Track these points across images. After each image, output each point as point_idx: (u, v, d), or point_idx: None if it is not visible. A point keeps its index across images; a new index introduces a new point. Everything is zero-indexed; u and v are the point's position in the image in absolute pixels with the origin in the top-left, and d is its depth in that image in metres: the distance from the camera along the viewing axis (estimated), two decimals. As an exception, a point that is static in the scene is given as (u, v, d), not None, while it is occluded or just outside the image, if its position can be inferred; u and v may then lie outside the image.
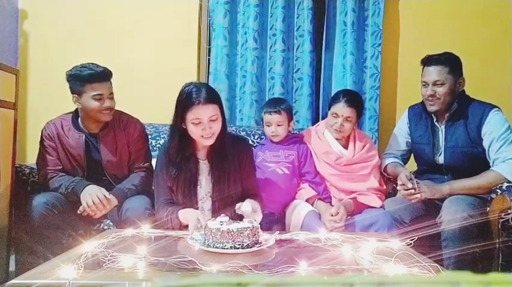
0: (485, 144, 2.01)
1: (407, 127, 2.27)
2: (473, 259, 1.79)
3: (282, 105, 2.19)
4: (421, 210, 2.03)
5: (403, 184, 1.93)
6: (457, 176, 2.02)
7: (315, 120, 2.81)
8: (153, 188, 2.14)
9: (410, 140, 2.26)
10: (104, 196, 1.90)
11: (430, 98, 2.08)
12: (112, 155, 2.08)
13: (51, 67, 2.78)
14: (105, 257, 1.22)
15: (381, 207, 2.06)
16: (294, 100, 2.84)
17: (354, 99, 2.15)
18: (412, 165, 2.35)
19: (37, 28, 2.85)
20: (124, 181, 2.06)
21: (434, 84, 2.06)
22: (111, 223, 2.02)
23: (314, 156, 2.19)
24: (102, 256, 1.23)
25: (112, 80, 2.07)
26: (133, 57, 2.83)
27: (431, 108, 2.10)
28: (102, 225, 2.01)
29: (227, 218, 1.43)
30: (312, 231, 1.67)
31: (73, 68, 2.02)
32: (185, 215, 1.69)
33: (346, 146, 2.19)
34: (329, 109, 2.19)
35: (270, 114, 2.17)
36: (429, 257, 1.25)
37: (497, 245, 1.81)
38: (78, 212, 1.91)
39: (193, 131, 1.72)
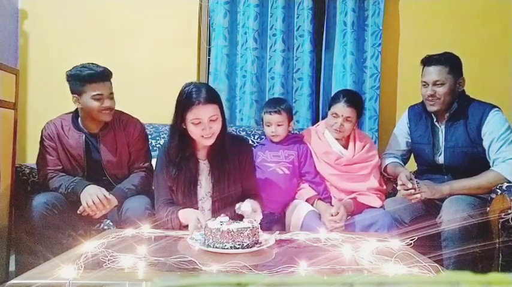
0: (485, 144, 2.01)
1: (407, 127, 2.27)
2: (473, 259, 1.79)
3: (282, 105, 2.19)
4: (421, 210, 2.03)
5: (403, 184, 1.93)
6: (457, 176, 2.02)
7: (315, 120, 2.81)
8: (153, 188, 2.15)
9: (410, 140, 2.26)
10: (104, 196, 1.91)
11: (430, 98, 2.08)
12: (112, 155, 2.08)
13: (51, 67, 2.78)
14: (105, 257, 1.22)
15: (381, 207, 2.06)
16: (294, 100, 2.84)
17: (354, 99, 2.15)
18: (412, 165, 2.35)
19: (37, 28, 2.85)
20: (124, 181, 2.06)
21: (434, 84, 2.06)
22: (111, 223, 2.02)
23: (314, 156, 2.19)
24: (102, 256, 1.23)
25: (112, 80, 2.07)
26: (133, 57, 2.83)
27: (431, 108, 2.10)
28: (102, 225, 2.01)
29: (227, 218, 1.43)
30: (312, 231, 1.67)
31: (73, 68, 2.02)
32: (185, 215, 1.69)
33: (346, 146, 2.19)
34: (329, 109, 2.19)
35: (270, 114, 2.17)
36: (429, 257, 1.25)
37: (497, 245, 1.81)
38: (78, 212, 1.91)
39: (193, 131, 1.72)
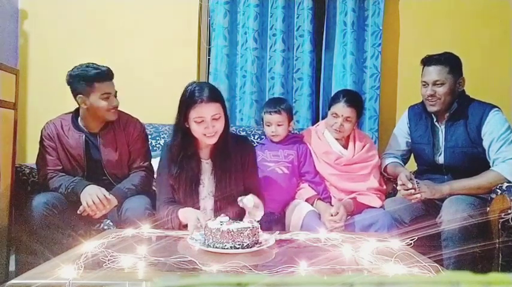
0: (485, 144, 2.01)
1: (407, 127, 2.27)
2: (473, 259, 1.79)
3: (282, 105, 2.19)
4: (421, 210, 2.03)
5: (403, 184, 1.93)
6: (457, 176, 2.02)
7: (315, 120, 2.81)
8: (153, 187, 2.15)
9: (410, 140, 2.26)
10: (104, 196, 1.90)
11: (430, 98, 2.08)
12: (112, 155, 2.08)
13: (51, 67, 2.78)
14: (105, 257, 1.21)
15: (381, 207, 2.06)
16: (294, 100, 2.84)
17: (354, 99, 2.15)
18: (412, 165, 2.35)
19: (37, 28, 2.85)
20: (124, 180, 2.06)
21: (434, 84, 2.06)
22: (111, 223, 2.02)
23: (314, 156, 2.19)
24: (102, 256, 1.23)
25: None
26: (133, 57, 2.83)
27: (431, 108, 2.10)
28: (102, 225, 2.01)
29: (227, 218, 1.43)
30: (312, 231, 1.67)
31: (74, 68, 2.02)
32: (185, 214, 1.69)
33: (346, 146, 2.19)
34: (329, 109, 2.19)
35: (270, 114, 2.17)
36: (429, 257, 1.25)
37: (497, 245, 1.81)
38: (78, 212, 1.91)
39: (196, 129, 1.72)
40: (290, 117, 2.21)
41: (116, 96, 2.07)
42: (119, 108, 2.11)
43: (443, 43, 2.47)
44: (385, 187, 2.18)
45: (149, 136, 2.36)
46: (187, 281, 0.37)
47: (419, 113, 2.22)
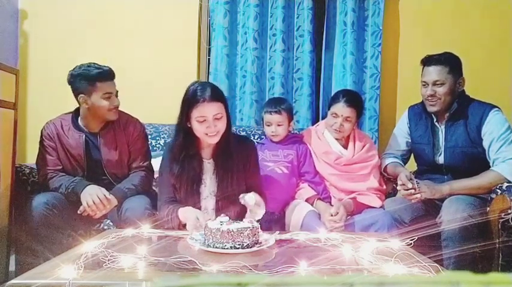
0: (485, 144, 2.01)
1: (407, 127, 2.27)
2: (473, 259, 1.79)
3: (282, 105, 2.19)
4: (421, 210, 2.03)
5: (403, 184, 1.93)
6: (457, 176, 2.02)
7: (315, 120, 2.81)
8: (153, 187, 2.15)
9: (410, 140, 2.26)
10: (104, 195, 1.91)
11: (430, 98, 2.08)
12: (112, 155, 2.08)
13: (51, 67, 2.78)
14: (105, 257, 1.21)
15: (381, 207, 2.06)
16: (294, 100, 2.84)
17: (354, 99, 2.15)
18: (412, 165, 2.35)
19: (37, 28, 2.85)
20: (124, 180, 2.06)
21: (434, 84, 2.06)
22: (111, 223, 2.02)
23: (314, 156, 2.19)
24: (102, 256, 1.23)
25: (112, 79, 2.08)
26: (133, 57, 2.83)
27: (431, 108, 2.10)
28: (102, 225, 2.01)
29: (227, 218, 1.43)
30: (312, 231, 1.67)
31: (76, 67, 2.02)
32: (185, 214, 1.69)
33: (345, 146, 2.19)
34: (329, 109, 2.19)
35: (270, 114, 2.17)
36: (429, 257, 1.25)
37: (497, 245, 1.81)
38: (79, 212, 1.91)
39: (198, 129, 1.73)
40: (290, 117, 2.21)
41: (117, 96, 2.07)
42: (119, 109, 2.12)
43: (443, 43, 2.47)
44: (385, 187, 2.18)
45: (149, 136, 2.36)
46: (187, 281, 0.37)
47: (419, 113, 2.22)
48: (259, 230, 1.44)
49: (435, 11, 2.88)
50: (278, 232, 1.62)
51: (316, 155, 2.19)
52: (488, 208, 1.92)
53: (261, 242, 1.41)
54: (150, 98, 2.77)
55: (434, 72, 2.06)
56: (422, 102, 2.19)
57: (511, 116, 2.40)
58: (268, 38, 2.85)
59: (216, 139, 1.75)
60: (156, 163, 2.05)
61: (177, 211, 1.71)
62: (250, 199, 1.64)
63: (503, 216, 1.82)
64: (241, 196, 1.68)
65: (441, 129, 2.14)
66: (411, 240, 1.40)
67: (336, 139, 2.19)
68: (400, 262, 1.19)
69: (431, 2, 2.89)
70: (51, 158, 2.04)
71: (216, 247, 1.34)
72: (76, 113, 2.12)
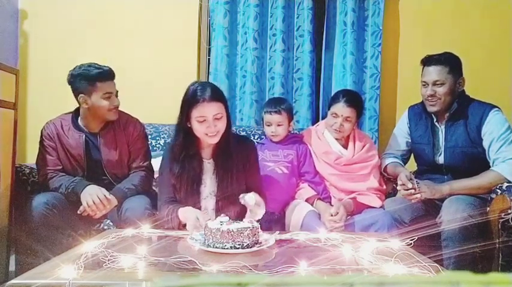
0: (485, 144, 2.01)
1: (407, 127, 2.27)
2: (473, 259, 1.79)
3: (282, 105, 2.19)
4: (421, 210, 2.03)
5: (403, 184, 1.93)
6: (457, 176, 2.02)
7: (315, 120, 2.81)
8: (153, 187, 2.15)
9: (410, 140, 2.26)
10: (104, 195, 1.91)
11: (430, 98, 2.08)
12: (112, 155, 2.08)
13: (51, 67, 2.78)
14: (105, 257, 1.21)
15: (381, 207, 2.06)
16: (294, 100, 2.84)
17: (354, 99, 2.15)
18: (412, 165, 2.35)
19: (37, 28, 2.85)
20: (124, 180, 2.06)
21: (434, 84, 2.06)
22: (111, 223, 2.02)
23: (314, 156, 2.19)
24: (102, 256, 1.23)
25: (112, 79, 2.08)
26: (133, 57, 2.83)
27: (431, 108, 2.10)
28: (102, 225, 2.01)
29: (227, 218, 1.43)
30: (312, 231, 1.67)
31: (76, 67, 2.02)
32: (184, 214, 1.69)
33: (345, 146, 2.19)
34: (329, 109, 2.19)
35: (270, 114, 2.17)
36: (429, 257, 1.25)
37: (497, 245, 1.81)
38: (79, 212, 1.91)
39: (198, 129, 1.73)
40: (290, 117, 2.21)
41: (117, 96, 2.07)
42: (119, 109, 2.12)
43: (443, 43, 2.47)
44: (385, 187, 2.18)
45: (149, 136, 2.37)
46: (187, 281, 0.37)
47: (419, 113, 2.22)
48: (259, 230, 1.44)
49: (435, 11, 2.88)
50: (278, 232, 1.62)
51: (316, 155, 2.19)
52: (488, 208, 1.92)
53: (261, 242, 1.41)
54: (150, 98, 2.77)
55: (434, 72, 2.06)
56: (422, 102, 2.19)
57: (511, 116, 2.40)
58: (268, 38, 2.85)
59: (216, 139, 1.75)
60: (156, 163, 2.05)
61: (177, 211, 1.71)
62: (250, 199, 1.64)
63: (503, 216, 1.82)
64: (241, 196, 1.68)
65: (441, 129, 2.14)
66: (411, 240, 1.40)
67: (336, 139, 2.19)
68: (400, 262, 1.19)
69: (431, 2, 2.89)
70: (51, 158, 2.04)
71: (216, 247, 1.34)
72: (76, 113, 2.12)
